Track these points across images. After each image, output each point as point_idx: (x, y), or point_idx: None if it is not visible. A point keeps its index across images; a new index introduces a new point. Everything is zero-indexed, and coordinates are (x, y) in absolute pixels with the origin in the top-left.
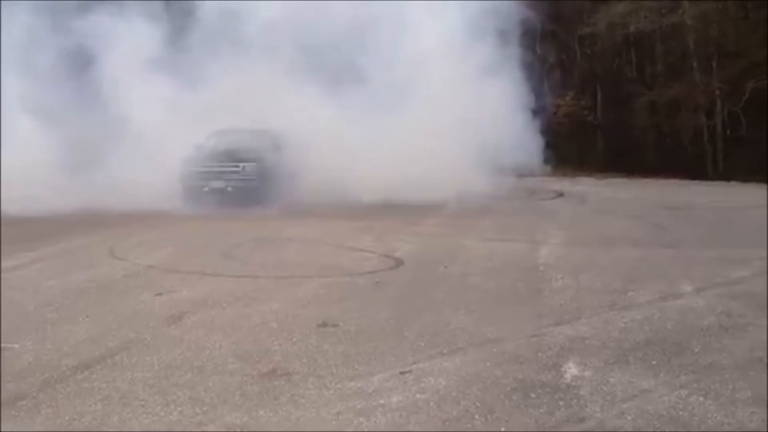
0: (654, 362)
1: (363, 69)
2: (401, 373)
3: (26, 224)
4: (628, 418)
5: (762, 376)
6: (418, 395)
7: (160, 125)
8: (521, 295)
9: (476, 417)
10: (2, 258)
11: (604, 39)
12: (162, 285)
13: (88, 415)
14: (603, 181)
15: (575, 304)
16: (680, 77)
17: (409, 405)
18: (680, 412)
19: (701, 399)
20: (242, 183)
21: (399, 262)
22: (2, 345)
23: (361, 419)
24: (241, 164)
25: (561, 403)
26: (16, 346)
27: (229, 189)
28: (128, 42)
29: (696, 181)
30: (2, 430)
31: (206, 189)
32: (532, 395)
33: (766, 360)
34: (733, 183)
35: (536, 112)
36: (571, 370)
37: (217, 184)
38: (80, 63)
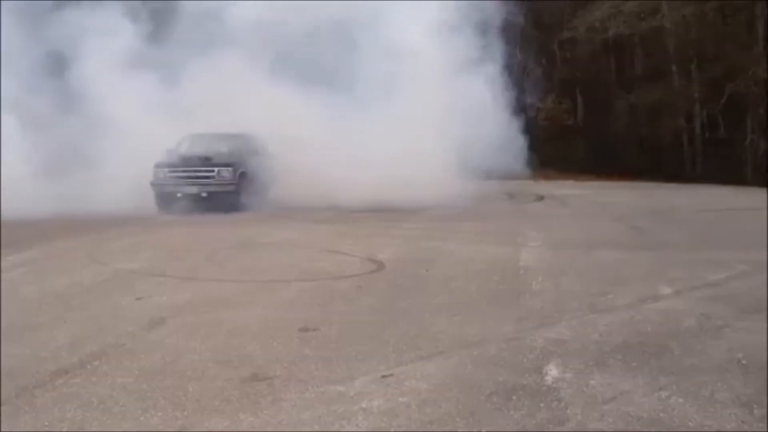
0: (634, 364)
1: (344, 71)
2: (383, 376)
3: (4, 228)
4: (609, 419)
5: (742, 378)
6: (399, 398)
7: (140, 126)
8: (502, 298)
9: (458, 420)
10: None
11: (583, 43)
12: (142, 289)
13: (67, 421)
14: (583, 184)
15: (556, 307)
16: (659, 81)
17: (391, 408)
18: (660, 414)
19: (681, 400)
20: (217, 188)
21: (380, 266)
22: None
23: (343, 423)
24: (215, 169)
25: (542, 405)
26: None
27: (204, 195)
28: (106, 42)
29: (675, 184)
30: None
31: (179, 195)
32: (514, 398)
33: (745, 362)
34: (711, 185)
35: (517, 116)
36: (552, 372)
37: (191, 189)
38: (58, 64)
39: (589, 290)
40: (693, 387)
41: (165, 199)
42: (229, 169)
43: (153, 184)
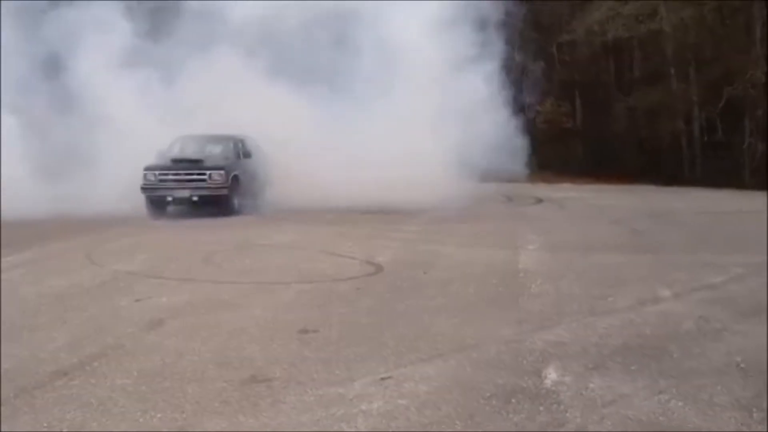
0: (633, 367)
1: (342, 71)
2: (382, 378)
3: (3, 229)
4: (608, 423)
5: (741, 381)
6: (398, 401)
7: (137, 126)
8: (501, 301)
9: (457, 422)
10: None
11: (582, 46)
12: (141, 291)
13: (66, 422)
14: (582, 186)
15: (555, 310)
16: (658, 83)
17: (390, 411)
18: (660, 417)
19: (680, 404)
20: (209, 192)
21: (379, 268)
22: None
23: (342, 425)
24: (207, 172)
25: (541, 408)
26: None
27: (195, 198)
28: (102, 40)
29: (674, 187)
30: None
31: (169, 199)
32: (513, 400)
33: (744, 365)
34: (709, 188)
35: (516, 118)
36: (551, 375)
37: (181, 193)
38: (54, 63)
39: (588, 293)
40: (692, 390)
41: (156, 204)
42: (221, 172)
43: (143, 188)
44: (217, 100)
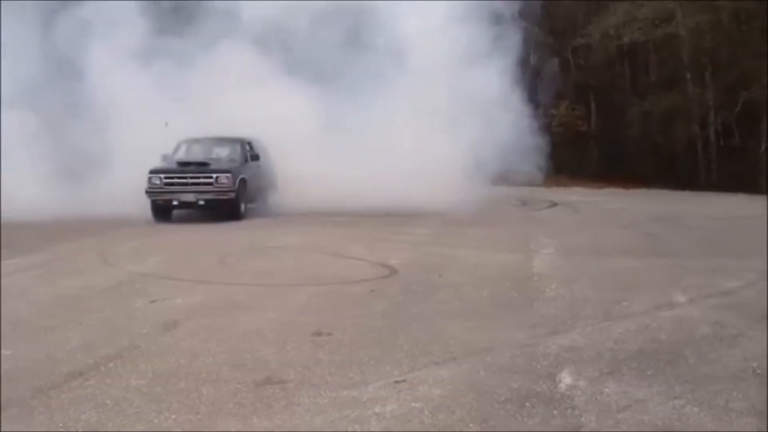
0: (649, 372)
1: (352, 70)
2: (396, 381)
3: (16, 231)
4: (623, 428)
5: (756, 386)
6: (412, 404)
7: (147, 126)
8: (515, 305)
9: (471, 426)
10: None
11: (598, 50)
12: (155, 292)
13: (82, 422)
14: (596, 190)
15: (569, 314)
16: (674, 88)
17: (404, 414)
18: (675, 423)
19: (696, 409)
20: (215, 196)
21: (393, 271)
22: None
23: (356, 427)
24: (214, 175)
25: (556, 412)
26: (9, 353)
27: (201, 203)
28: (113, 38)
29: (689, 192)
30: (2, 430)
31: (175, 203)
32: (527, 404)
33: (759, 371)
34: (725, 193)
35: (530, 122)
36: (566, 379)
37: (187, 197)
38: (66, 63)
39: (603, 297)
40: (708, 396)
41: (161, 208)
42: (228, 175)
43: (148, 192)
44: (225, 98)
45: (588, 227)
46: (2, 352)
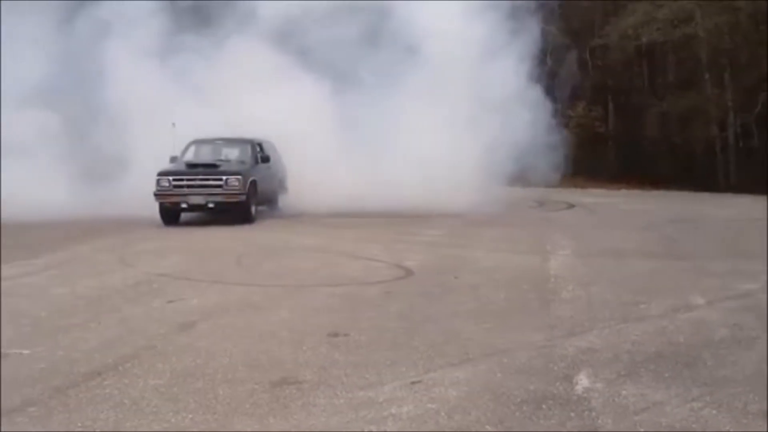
0: (666, 375)
1: (368, 70)
2: (412, 383)
3: (34, 231)
4: (641, 430)
5: None
6: (428, 405)
7: (163, 125)
8: (532, 306)
9: (487, 427)
10: (12, 265)
11: (615, 50)
12: (172, 292)
13: (100, 422)
14: (614, 192)
15: (586, 316)
16: (692, 88)
17: (420, 415)
18: (693, 425)
19: (714, 412)
20: (225, 198)
21: (409, 272)
22: (14, 352)
23: (372, 428)
24: (224, 177)
25: (572, 414)
26: (28, 352)
27: (210, 205)
28: (129, 40)
29: (708, 193)
30: (2, 430)
31: (184, 206)
32: (544, 406)
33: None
34: (744, 195)
35: (547, 123)
36: (583, 381)
37: (197, 200)
38: (89, 63)
39: (620, 299)
40: (726, 398)
41: (169, 211)
42: (239, 177)
43: (157, 195)
44: (243, 97)
45: (605, 229)
46: (21, 352)
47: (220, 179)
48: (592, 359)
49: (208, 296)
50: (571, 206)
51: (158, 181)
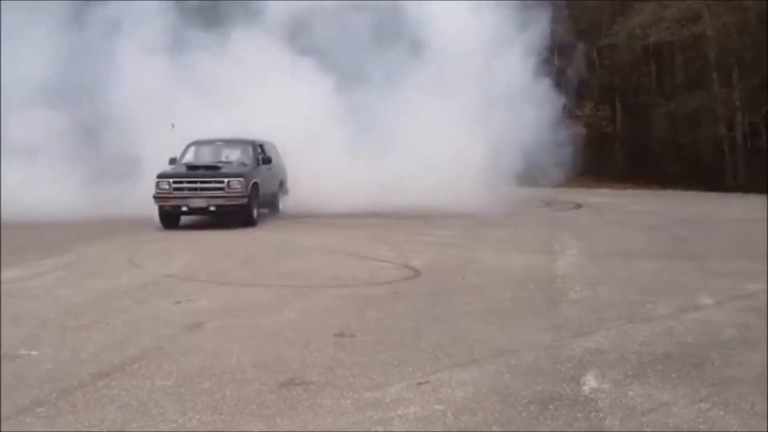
0: (674, 375)
1: (375, 66)
2: (419, 383)
3: (42, 232)
4: (648, 431)
5: None
6: (435, 406)
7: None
8: (539, 307)
9: (494, 428)
10: (19, 266)
11: (623, 50)
12: (180, 293)
13: (107, 422)
14: (621, 192)
15: (594, 316)
16: (700, 88)
17: (427, 415)
18: (700, 426)
19: (722, 412)
20: (227, 201)
21: (416, 273)
22: (22, 353)
23: (379, 428)
24: (225, 180)
25: (579, 415)
26: (36, 353)
27: (212, 208)
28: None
29: (715, 193)
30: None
31: (184, 209)
32: (551, 407)
33: None
34: (752, 195)
35: (555, 123)
36: (590, 382)
37: (198, 203)
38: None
39: (627, 299)
40: (734, 399)
41: (169, 214)
42: (241, 179)
43: (156, 198)
44: (251, 96)
45: (612, 229)
46: (29, 352)
47: (222, 181)
48: (600, 360)
49: (215, 297)
50: (578, 206)
51: (158, 183)
